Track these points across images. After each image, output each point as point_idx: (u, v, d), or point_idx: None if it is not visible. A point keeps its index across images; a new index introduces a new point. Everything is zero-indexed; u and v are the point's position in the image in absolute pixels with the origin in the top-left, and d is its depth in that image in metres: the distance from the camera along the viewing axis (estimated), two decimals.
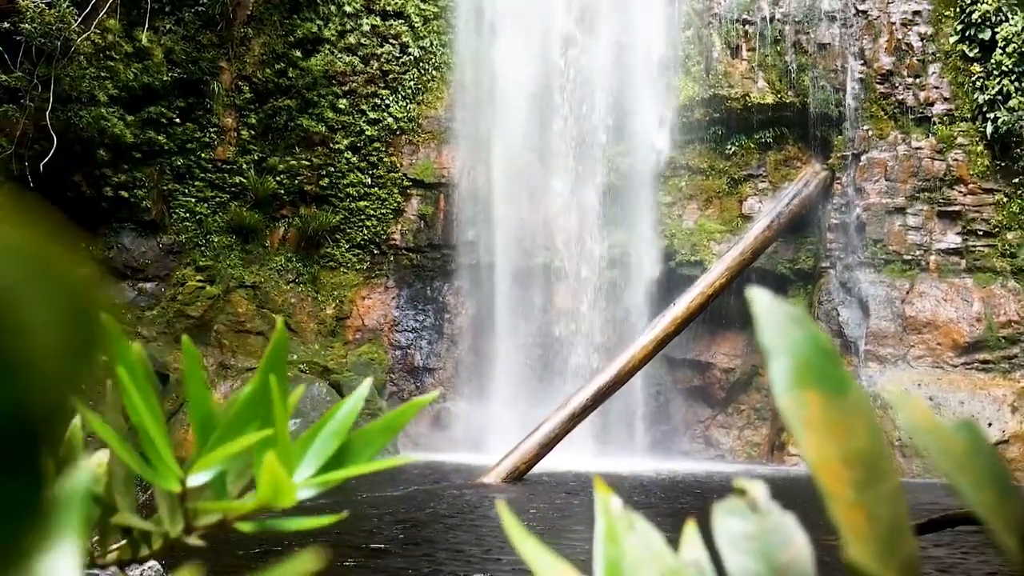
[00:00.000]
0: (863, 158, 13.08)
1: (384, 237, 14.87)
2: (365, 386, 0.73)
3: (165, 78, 13.78)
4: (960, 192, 12.69)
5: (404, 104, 14.88)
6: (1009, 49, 12.21)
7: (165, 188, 14.28)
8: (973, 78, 12.63)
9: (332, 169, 14.79)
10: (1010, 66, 12.21)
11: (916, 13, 13.11)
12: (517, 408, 13.02)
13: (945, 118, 12.86)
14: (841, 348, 12.69)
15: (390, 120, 14.82)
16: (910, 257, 12.73)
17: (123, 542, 0.65)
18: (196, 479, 0.59)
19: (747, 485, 0.36)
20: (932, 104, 12.91)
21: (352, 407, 0.69)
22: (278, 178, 14.73)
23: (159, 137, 13.94)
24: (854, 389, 0.32)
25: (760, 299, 0.35)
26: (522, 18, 14.10)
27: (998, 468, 0.34)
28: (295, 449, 0.66)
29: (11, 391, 0.23)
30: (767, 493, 0.36)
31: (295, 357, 13.93)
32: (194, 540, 0.61)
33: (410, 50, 14.91)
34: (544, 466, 10.40)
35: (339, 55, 14.72)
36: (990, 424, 11.13)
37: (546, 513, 7.39)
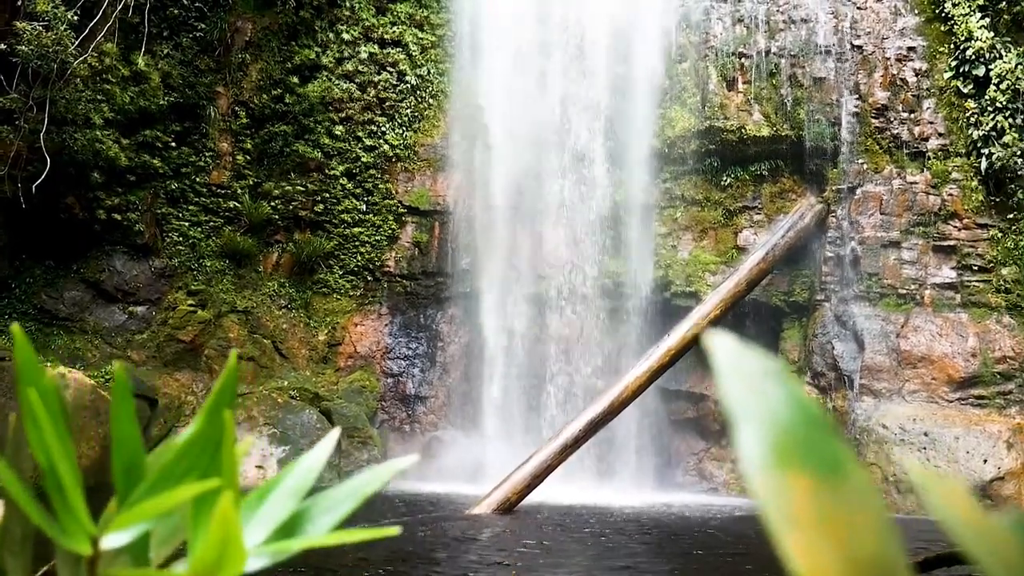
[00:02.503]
0: (858, 192, 13.07)
1: (378, 264, 14.80)
2: (330, 440, 0.64)
3: (161, 102, 13.76)
4: (955, 227, 12.68)
5: (400, 132, 14.88)
6: (1003, 86, 12.26)
7: (159, 212, 14.22)
8: (967, 114, 12.66)
9: (327, 195, 14.75)
10: (1004, 102, 12.25)
11: (911, 49, 13.18)
12: (509, 438, 12.88)
13: (940, 153, 12.87)
14: (836, 382, 12.60)
15: (386, 147, 14.80)
16: (905, 291, 12.68)
17: None
18: (113, 540, 0.47)
19: None
20: (927, 139, 12.93)
21: (311, 465, 0.58)
22: (273, 203, 14.68)
23: (154, 161, 13.90)
24: (854, 470, 0.23)
25: (723, 348, 0.26)
26: (519, 48, 14.15)
27: None
28: (242, 508, 0.56)
29: None
30: None
31: (285, 383, 13.79)
32: None
33: (407, 78, 14.94)
34: (535, 497, 10.26)
35: (336, 82, 14.74)
36: (985, 460, 11.02)
37: (532, 549, 7.25)
